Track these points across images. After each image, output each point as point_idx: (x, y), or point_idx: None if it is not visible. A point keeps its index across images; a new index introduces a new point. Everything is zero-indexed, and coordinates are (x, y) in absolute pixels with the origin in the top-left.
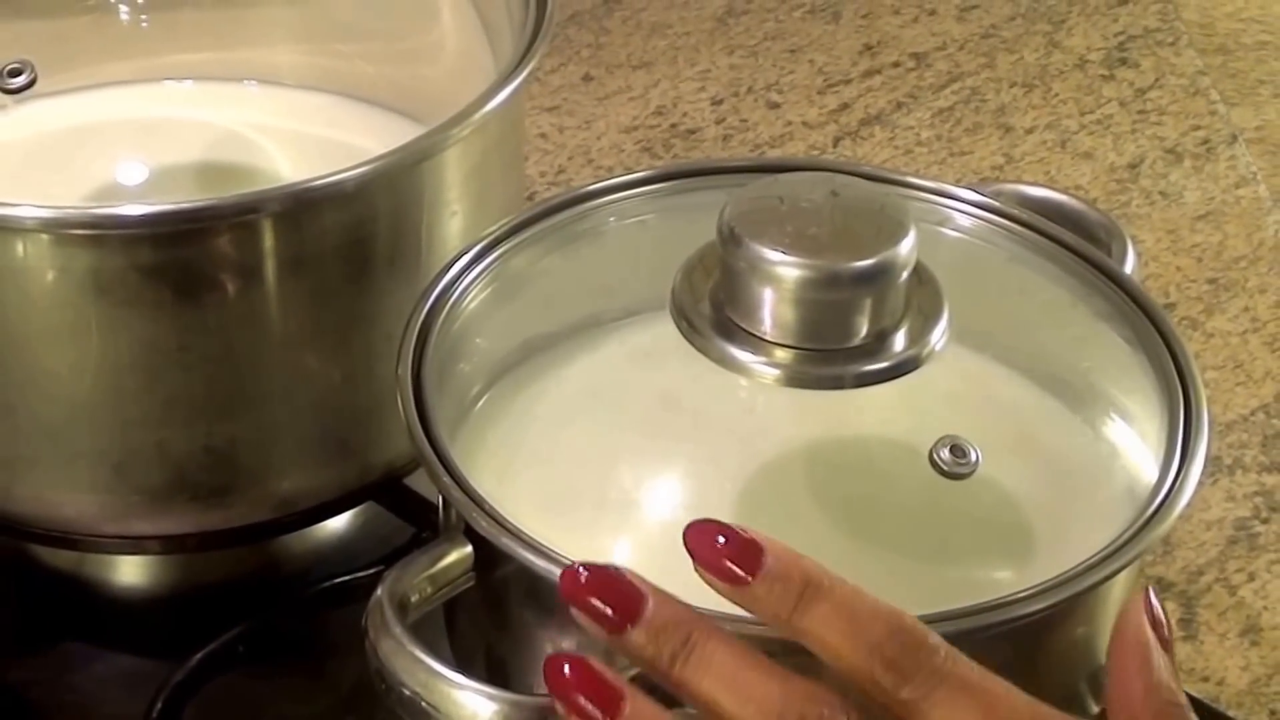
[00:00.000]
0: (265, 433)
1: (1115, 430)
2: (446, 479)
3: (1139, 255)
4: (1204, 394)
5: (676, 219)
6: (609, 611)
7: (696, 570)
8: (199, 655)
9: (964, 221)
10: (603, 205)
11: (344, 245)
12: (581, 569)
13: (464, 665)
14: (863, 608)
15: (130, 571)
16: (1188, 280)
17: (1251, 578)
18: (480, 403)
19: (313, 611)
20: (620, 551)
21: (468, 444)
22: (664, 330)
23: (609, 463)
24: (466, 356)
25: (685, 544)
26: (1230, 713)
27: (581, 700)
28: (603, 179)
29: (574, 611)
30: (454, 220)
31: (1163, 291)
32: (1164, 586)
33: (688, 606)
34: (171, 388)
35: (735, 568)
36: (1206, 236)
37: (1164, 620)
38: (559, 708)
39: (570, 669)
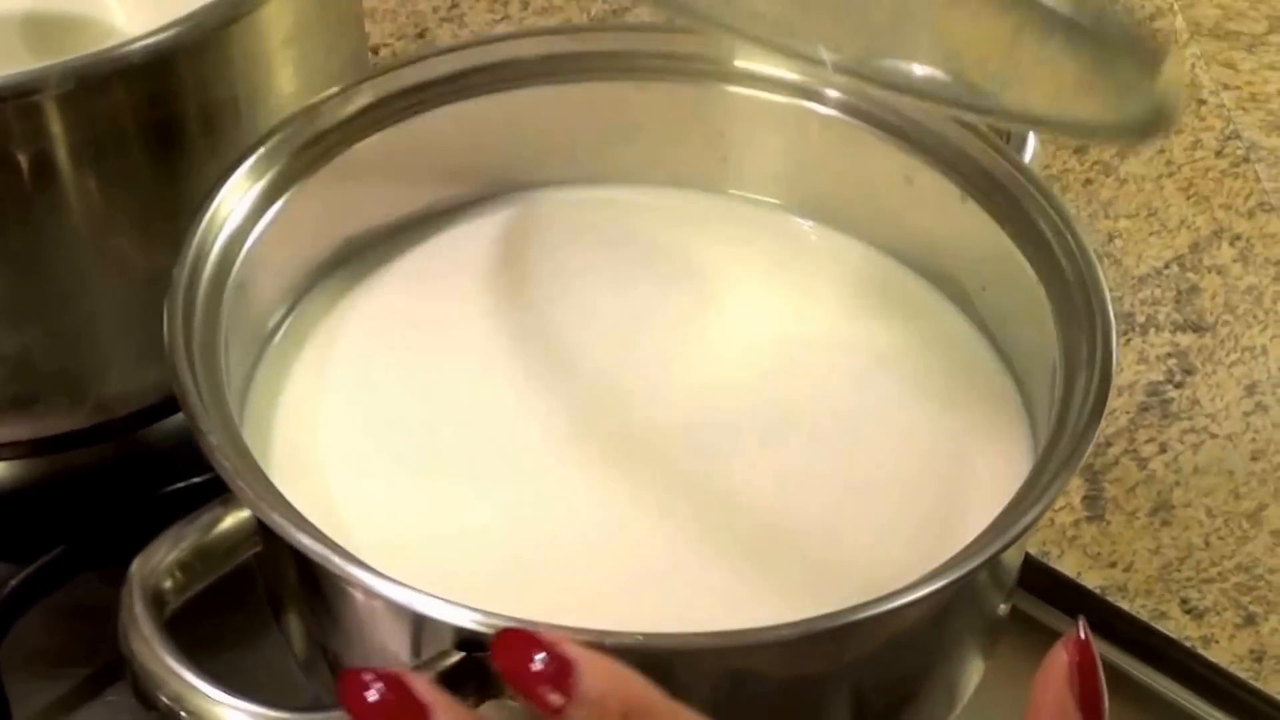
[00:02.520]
0: (65, 338)
1: (1010, 344)
2: (213, 438)
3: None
4: (1112, 318)
5: None
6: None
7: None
8: (17, 578)
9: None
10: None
11: (147, 124)
12: (520, 640)
13: (289, 637)
14: None
15: None
16: None
17: (1163, 449)
18: (290, 317)
19: (154, 518)
20: (452, 502)
21: (270, 371)
22: (507, 224)
23: (439, 392)
24: (273, 260)
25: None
26: (1139, 603)
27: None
28: (441, 46)
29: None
30: (274, 91)
31: None
32: None
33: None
34: None
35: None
36: None
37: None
38: None
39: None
